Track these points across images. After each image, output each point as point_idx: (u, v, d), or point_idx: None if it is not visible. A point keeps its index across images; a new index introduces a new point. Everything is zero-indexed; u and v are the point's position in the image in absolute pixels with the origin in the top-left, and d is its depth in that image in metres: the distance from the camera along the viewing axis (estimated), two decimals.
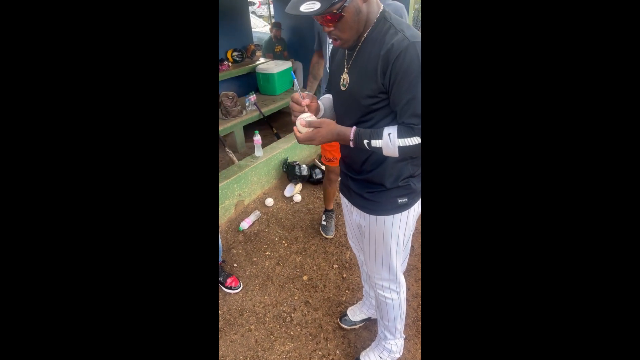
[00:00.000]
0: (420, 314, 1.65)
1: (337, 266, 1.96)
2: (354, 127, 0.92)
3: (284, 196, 2.60)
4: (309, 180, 2.68)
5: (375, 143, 0.89)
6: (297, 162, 2.68)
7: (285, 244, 2.14)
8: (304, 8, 0.79)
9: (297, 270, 1.94)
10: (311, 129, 0.92)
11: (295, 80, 1.00)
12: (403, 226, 1.06)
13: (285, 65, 3.83)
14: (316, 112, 1.02)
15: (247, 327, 1.64)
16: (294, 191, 2.58)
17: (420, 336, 1.56)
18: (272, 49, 4.44)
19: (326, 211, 2.26)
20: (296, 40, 4.68)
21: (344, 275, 1.89)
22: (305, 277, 1.89)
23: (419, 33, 0.84)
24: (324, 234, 2.18)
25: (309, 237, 2.19)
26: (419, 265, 1.92)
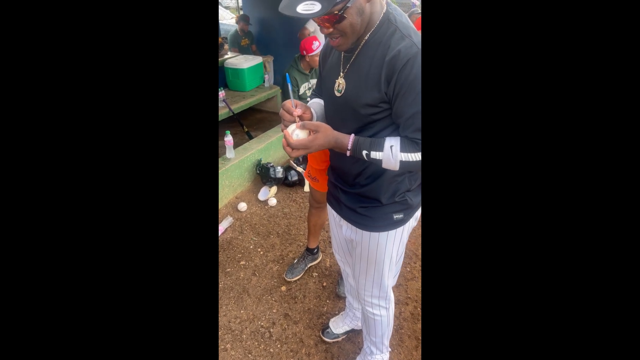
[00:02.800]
0: (402, 321, 1.63)
1: (316, 274, 1.88)
2: (353, 135, 0.84)
3: (258, 200, 2.47)
4: (284, 183, 2.57)
5: (375, 155, 0.82)
6: (272, 164, 2.57)
7: (261, 252, 2.03)
8: (302, 9, 0.70)
9: (275, 281, 1.84)
10: (305, 137, 0.83)
11: (290, 85, 0.90)
12: (397, 242, 1.01)
13: (256, 60, 3.66)
14: None
15: (222, 347, 1.52)
16: (268, 194, 2.46)
17: (403, 345, 1.53)
18: (238, 43, 4.23)
19: (307, 250, 1.85)
20: (265, 34, 4.50)
21: (324, 284, 1.83)
22: (283, 288, 1.80)
23: None
24: (284, 274, 1.81)
25: (286, 243, 2.10)
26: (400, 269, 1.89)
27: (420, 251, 2.00)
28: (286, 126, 0.87)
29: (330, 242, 2.10)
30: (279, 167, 2.53)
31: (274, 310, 1.68)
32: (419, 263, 1.94)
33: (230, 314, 1.66)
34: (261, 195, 2.48)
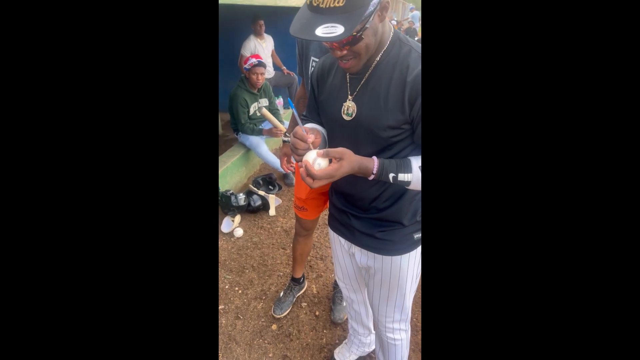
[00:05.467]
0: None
1: (305, 304, 1.77)
2: (376, 159, 0.79)
3: (222, 233, 2.25)
4: (247, 210, 2.40)
5: (404, 177, 0.78)
6: (231, 191, 2.38)
7: (240, 291, 1.84)
8: (322, 32, 0.64)
9: (263, 320, 1.67)
10: (326, 165, 0.75)
11: (295, 111, 0.81)
12: (418, 261, 0.97)
13: None
14: (322, 147, 0.85)
15: None
16: (233, 225, 2.27)
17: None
18: None
19: (292, 280, 1.73)
20: None
21: (317, 313, 1.72)
22: (274, 326, 1.64)
23: None
24: (272, 311, 1.67)
25: (265, 276, 1.94)
26: None
27: None
28: (300, 155, 0.78)
29: (311, 265, 2.00)
30: (240, 194, 2.36)
31: (270, 355, 1.52)
32: None
33: None
34: (224, 227, 2.27)
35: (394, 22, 10.97)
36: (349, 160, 0.76)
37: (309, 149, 0.78)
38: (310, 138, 0.78)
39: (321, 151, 0.75)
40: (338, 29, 0.64)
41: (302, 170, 0.75)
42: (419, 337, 1.60)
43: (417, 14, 10.99)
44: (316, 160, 0.75)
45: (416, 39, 8.99)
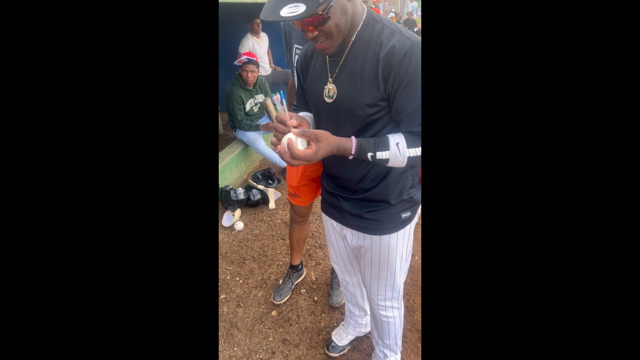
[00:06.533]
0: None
1: (304, 290, 1.82)
2: (354, 138, 0.82)
3: (222, 227, 2.31)
4: (247, 204, 2.45)
5: (382, 155, 0.81)
6: (231, 186, 2.43)
7: (241, 281, 1.89)
8: (286, 12, 0.68)
9: (263, 307, 1.73)
10: (307, 148, 0.79)
11: (284, 98, 0.86)
12: (406, 241, 1.02)
13: None
14: None
15: None
16: (233, 219, 2.32)
17: (407, 340, 1.55)
18: None
19: (291, 267, 1.80)
20: None
21: (315, 299, 1.77)
22: (274, 312, 1.70)
23: (416, 35, 0.80)
24: (272, 298, 1.73)
25: (265, 266, 1.99)
26: None
27: None
28: (277, 138, 0.82)
29: (310, 254, 2.06)
30: (240, 189, 2.41)
31: (270, 339, 1.57)
32: None
33: (224, 355, 1.51)
34: (225, 221, 2.32)
35: (392, 14, 10.94)
36: (327, 143, 0.79)
37: (287, 132, 0.80)
38: (292, 122, 0.81)
39: (297, 130, 0.78)
40: (300, 8, 0.67)
41: (279, 146, 0.78)
42: (415, 317, 1.65)
43: (416, 4, 10.96)
44: (298, 140, 0.78)
45: (415, 30, 8.95)
